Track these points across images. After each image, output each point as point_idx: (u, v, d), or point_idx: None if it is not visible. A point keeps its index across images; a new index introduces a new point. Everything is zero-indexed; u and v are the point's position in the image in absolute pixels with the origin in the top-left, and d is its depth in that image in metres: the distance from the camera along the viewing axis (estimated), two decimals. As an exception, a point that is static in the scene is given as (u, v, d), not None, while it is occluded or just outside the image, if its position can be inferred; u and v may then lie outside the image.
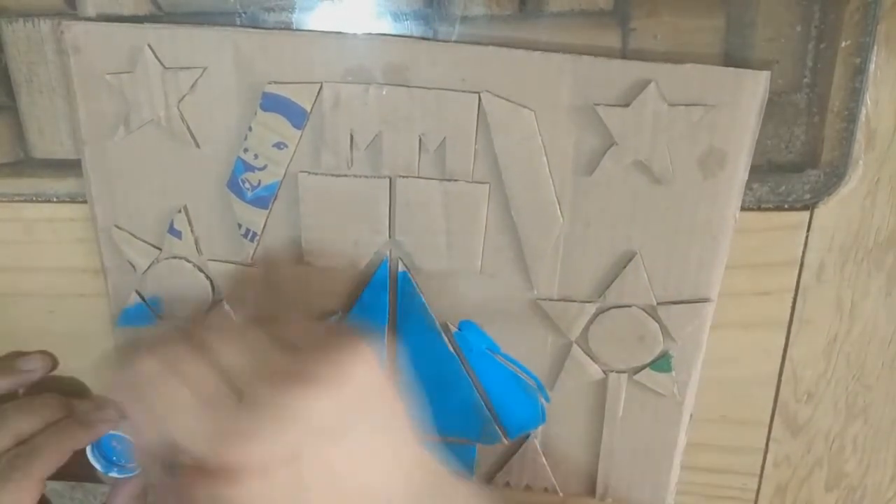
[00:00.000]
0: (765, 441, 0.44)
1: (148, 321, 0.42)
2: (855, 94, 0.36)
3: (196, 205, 0.40)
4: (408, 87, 0.36)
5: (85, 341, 0.45)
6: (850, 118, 0.37)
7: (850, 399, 0.43)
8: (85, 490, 0.47)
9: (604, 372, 0.41)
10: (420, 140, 0.37)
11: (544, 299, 0.40)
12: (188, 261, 0.41)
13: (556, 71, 0.35)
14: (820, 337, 0.41)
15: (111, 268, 0.42)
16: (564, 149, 0.37)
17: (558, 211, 0.38)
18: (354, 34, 0.36)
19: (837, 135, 0.37)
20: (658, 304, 0.39)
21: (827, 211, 0.39)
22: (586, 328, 0.40)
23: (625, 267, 0.38)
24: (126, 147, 0.39)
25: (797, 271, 0.40)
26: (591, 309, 0.39)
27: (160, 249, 0.41)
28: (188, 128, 0.38)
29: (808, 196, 0.38)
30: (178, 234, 0.40)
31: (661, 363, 0.40)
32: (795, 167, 0.38)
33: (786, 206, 0.39)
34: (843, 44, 0.35)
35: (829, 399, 0.43)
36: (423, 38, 0.36)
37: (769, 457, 0.44)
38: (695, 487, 0.45)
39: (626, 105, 0.35)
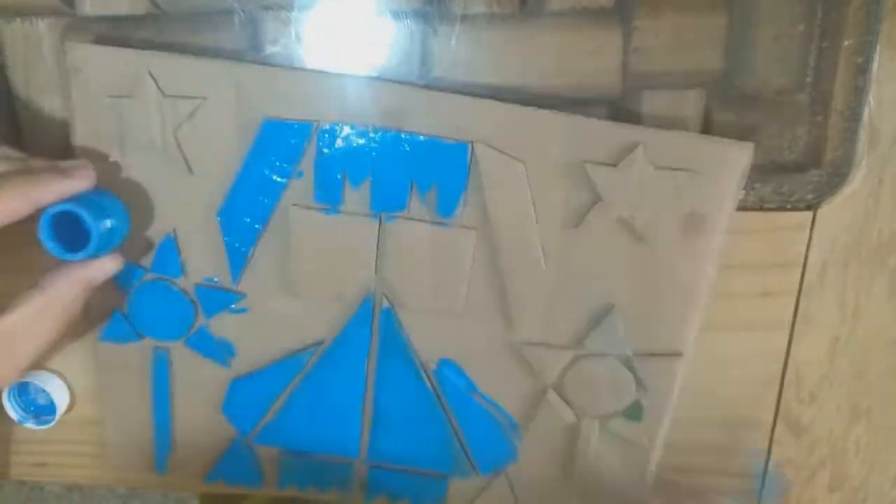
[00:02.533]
0: (767, 443, 0.44)
1: (130, 339, 0.43)
2: (858, 94, 0.37)
3: (185, 229, 0.41)
4: (402, 131, 0.37)
5: (76, 351, 0.46)
6: (853, 118, 0.37)
7: (854, 400, 0.43)
8: (83, 492, 0.47)
9: (577, 416, 0.42)
10: (412, 184, 0.38)
11: (524, 343, 0.41)
12: (172, 283, 0.41)
13: (549, 127, 0.37)
14: (823, 338, 0.42)
15: None
16: (552, 201, 0.38)
17: (542, 260, 0.39)
18: (354, 76, 0.38)
19: (840, 134, 0.38)
20: (633, 355, 0.40)
21: (830, 211, 0.39)
22: (562, 374, 0.41)
23: (604, 318, 0.40)
24: (119, 168, 0.40)
25: (800, 272, 0.41)
26: (569, 356, 0.41)
27: (146, 270, 0.41)
28: (183, 155, 0.39)
29: (810, 196, 0.39)
30: (164, 257, 0.41)
31: (633, 412, 0.42)
32: (798, 167, 0.39)
33: (788, 207, 0.39)
34: (846, 43, 0.36)
35: (832, 400, 0.43)
36: (421, 87, 0.38)
37: (772, 459, 0.45)
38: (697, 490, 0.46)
39: (614, 165, 0.37)
